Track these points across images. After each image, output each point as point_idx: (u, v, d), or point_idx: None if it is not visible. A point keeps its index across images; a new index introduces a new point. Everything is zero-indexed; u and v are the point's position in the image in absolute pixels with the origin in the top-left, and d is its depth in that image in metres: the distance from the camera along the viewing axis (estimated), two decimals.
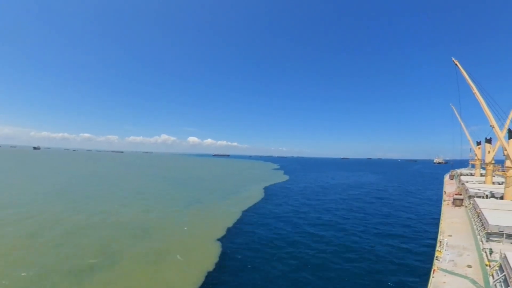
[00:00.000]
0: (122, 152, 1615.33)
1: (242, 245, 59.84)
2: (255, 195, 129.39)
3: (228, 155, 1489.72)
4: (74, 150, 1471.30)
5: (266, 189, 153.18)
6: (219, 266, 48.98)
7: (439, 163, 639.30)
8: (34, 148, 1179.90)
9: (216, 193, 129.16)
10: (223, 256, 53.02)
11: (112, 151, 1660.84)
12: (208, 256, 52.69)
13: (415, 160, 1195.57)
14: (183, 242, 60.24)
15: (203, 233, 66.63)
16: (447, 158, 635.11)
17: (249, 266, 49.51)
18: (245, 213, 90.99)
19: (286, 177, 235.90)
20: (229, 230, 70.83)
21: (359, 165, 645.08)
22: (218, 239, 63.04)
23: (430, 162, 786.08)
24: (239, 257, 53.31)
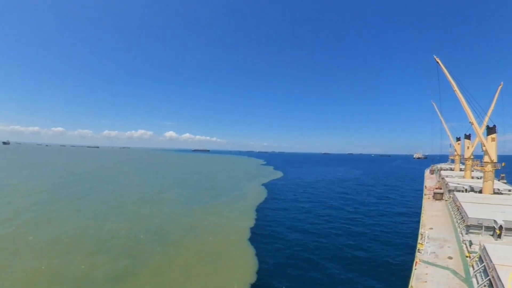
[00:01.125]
0: (98, 147, 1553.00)
1: (275, 248, 57.30)
2: (258, 192, 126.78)
3: (208, 150, 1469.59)
4: (47, 145, 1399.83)
5: (266, 186, 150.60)
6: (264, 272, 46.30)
7: (418, 158, 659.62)
8: (4, 143, 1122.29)
9: (217, 192, 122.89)
10: (262, 263, 50.02)
11: (88, 146, 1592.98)
12: (248, 263, 49.58)
13: (389, 155, 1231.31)
14: (214, 248, 55.71)
15: (232, 236, 63.47)
16: (427, 153, 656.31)
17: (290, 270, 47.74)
18: (259, 211, 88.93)
19: (279, 173, 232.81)
20: (253, 230, 68.61)
21: (341, 160, 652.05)
22: (249, 240, 61.38)
23: (410, 157, 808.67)
24: (279, 263, 50.09)
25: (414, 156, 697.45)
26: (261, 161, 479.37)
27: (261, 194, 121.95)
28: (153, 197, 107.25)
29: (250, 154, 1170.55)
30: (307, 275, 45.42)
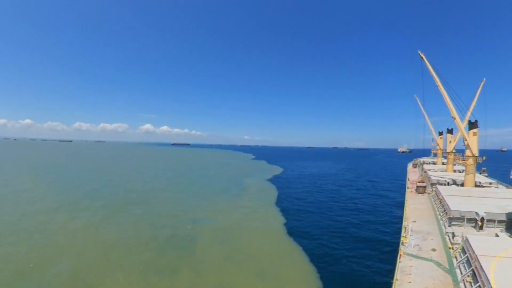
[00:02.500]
0: (71, 141, 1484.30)
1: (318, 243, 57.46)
2: (266, 188, 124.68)
3: (189, 144, 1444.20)
4: (15, 140, 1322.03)
5: (272, 181, 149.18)
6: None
7: (403, 152, 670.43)
8: None
9: (225, 189, 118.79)
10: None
11: (60, 140, 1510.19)
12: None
13: (366, 149, 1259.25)
14: (255, 255, 51.01)
15: (269, 237, 60.81)
16: (412, 147, 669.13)
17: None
18: (280, 207, 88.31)
19: (278, 168, 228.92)
20: (287, 226, 68.49)
21: (327, 154, 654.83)
22: (289, 235, 61.00)
23: (394, 151, 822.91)
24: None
25: (399, 150, 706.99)
26: (250, 156, 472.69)
27: (272, 190, 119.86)
28: (153, 196, 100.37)
29: (233, 148, 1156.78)
30: None
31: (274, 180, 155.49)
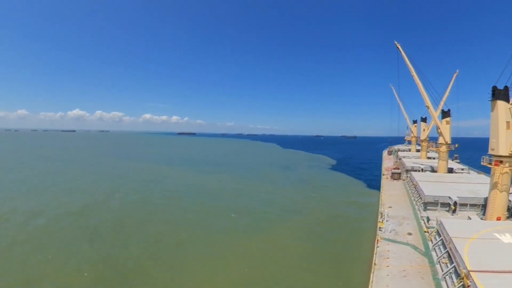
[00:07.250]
0: (75, 131, 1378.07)
1: None
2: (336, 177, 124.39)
3: (194, 134, 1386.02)
4: (16, 130, 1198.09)
5: (336, 169, 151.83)
6: None
7: (410, 140, 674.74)
8: None
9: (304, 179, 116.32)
10: None
11: (62, 130, 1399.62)
12: None
13: (355, 137, 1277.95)
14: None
15: None
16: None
17: None
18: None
19: (327, 158, 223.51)
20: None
21: (340, 143, 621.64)
22: None
23: (400, 139, 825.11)
24: None
25: (406, 138, 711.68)
26: (275, 145, 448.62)
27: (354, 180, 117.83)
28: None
29: (239, 136, 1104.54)
30: None
31: (340, 169, 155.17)
